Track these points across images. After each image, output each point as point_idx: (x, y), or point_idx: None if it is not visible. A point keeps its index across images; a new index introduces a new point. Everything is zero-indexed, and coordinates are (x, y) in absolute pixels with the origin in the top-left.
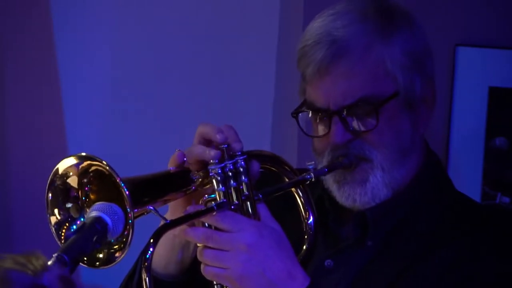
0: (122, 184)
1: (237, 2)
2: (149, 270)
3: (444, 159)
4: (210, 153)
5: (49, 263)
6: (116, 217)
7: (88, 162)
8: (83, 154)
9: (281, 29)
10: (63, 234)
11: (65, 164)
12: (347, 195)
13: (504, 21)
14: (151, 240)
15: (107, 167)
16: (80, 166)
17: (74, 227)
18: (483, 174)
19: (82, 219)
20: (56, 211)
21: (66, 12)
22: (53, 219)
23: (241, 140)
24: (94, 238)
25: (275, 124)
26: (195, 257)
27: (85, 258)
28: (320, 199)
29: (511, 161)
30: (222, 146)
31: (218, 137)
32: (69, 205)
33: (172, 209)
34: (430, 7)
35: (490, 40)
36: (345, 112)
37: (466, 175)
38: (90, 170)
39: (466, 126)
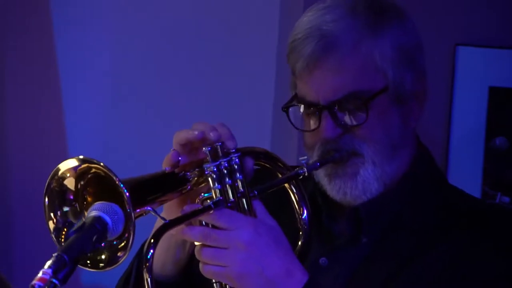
0: (122, 186)
1: (237, 2)
2: (150, 271)
3: (444, 159)
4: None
5: (49, 262)
6: (116, 217)
7: (86, 164)
8: (81, 157)
9: (281, 29)
10: (62, 237)
11: (63, 167)
12: (338, 188)
13: (504, 21)
14: (152, 241)
15: (105, 169)
16: (78, 169)
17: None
18: (483, 174)
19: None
20: (53, 214)
21: (66, 12)
22: (51, 224)
23: (241, 140)
24: (94, 238)
25: (275, 124)
26: (191, 257)
27: (89, 262)
28: (312, 195)
29: (511, 161)
30: (216, 144)
31: (212, 135)
32: (66, 208)
33: (167, 209)
34: (430, 7)
35: (490, 40)
36: (335, 107)
37: (466, 175)
38: (88, 172)
39: (466, 126)
